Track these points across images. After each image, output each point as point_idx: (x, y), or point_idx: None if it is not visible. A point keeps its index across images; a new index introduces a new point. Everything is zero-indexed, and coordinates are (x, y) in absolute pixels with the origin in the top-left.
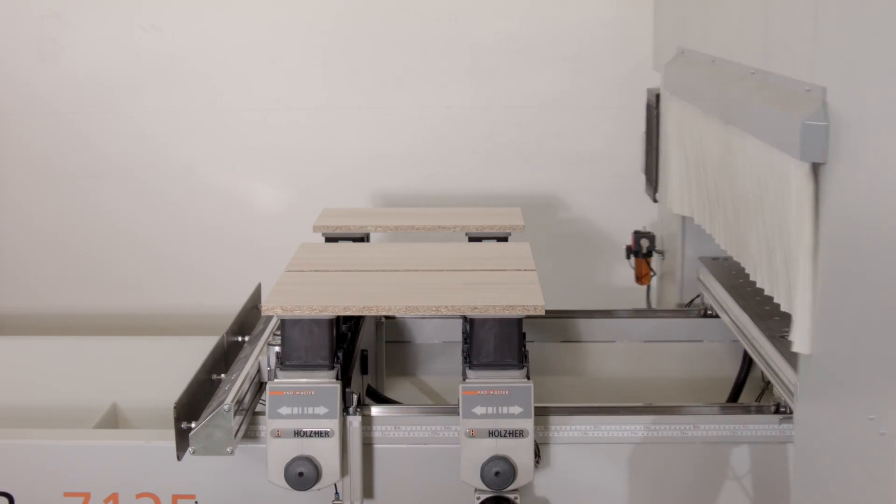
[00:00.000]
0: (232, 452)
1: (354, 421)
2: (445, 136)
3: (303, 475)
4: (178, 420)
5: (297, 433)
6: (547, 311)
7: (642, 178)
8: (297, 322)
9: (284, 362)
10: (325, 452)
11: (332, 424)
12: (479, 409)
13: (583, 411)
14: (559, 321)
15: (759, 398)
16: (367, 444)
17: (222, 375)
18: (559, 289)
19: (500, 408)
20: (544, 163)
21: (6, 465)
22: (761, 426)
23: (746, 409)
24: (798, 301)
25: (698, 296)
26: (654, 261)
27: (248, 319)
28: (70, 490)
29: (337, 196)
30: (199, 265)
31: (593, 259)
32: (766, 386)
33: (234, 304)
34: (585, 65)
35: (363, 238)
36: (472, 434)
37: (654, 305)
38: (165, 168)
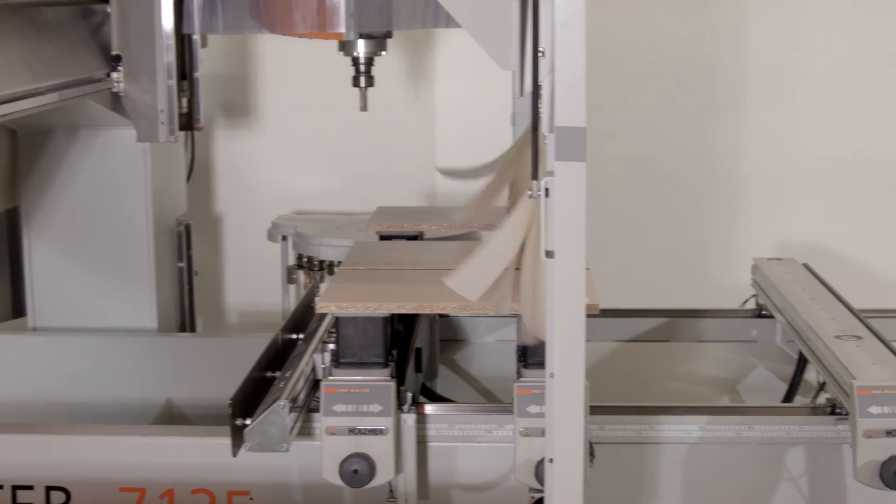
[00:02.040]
0: (287, 449)
1: (409, 419)
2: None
3: (357, 472)
4: (233, 417)
5: (352, 431)
6: (602, 310)
7: None
8: (352, 320)
9: (339, 360)
10: (380, 450)
11: (387, 422)
12: (533, 408)
13: (637, 411)
14: (613, 320)
15: (813, 399)
16: (421, 442)
17: (277, 373)
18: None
19: None
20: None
21: (63, 460)
22: (817, 427)
23: (802, 410)
24: None
25: (753, 296)
26: None
27: (303, 317)
28: (126, 485)
29: (391, 194)
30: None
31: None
32: (821, 387)
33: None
34: None
35: (417, 236)
36: (527, 433)
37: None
38: None
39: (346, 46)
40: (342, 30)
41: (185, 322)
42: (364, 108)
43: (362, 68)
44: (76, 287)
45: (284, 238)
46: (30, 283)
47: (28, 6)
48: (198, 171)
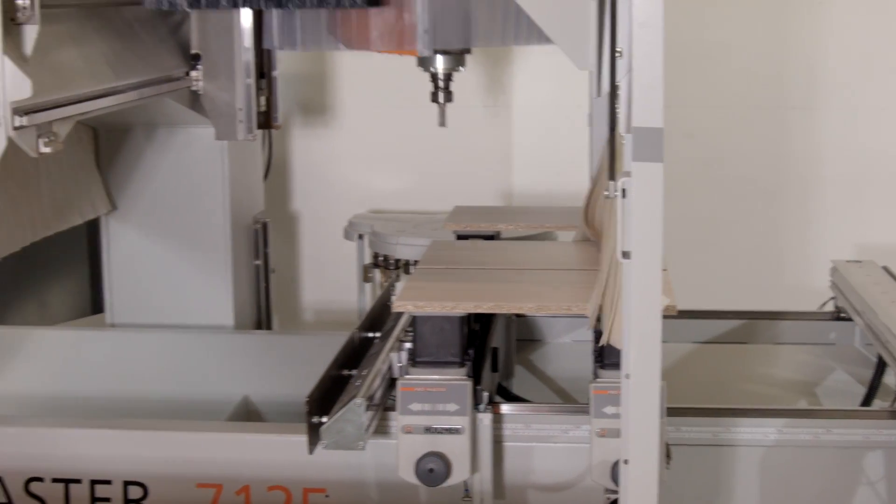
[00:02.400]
0: (363, 447)
1: (485, 418)
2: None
3: (433, 471)
4: (309, 414)
5: (428, 429)
6: (679, 312)
7: None
8: (429, 319)
9: (415, 359)
10: (456, 449)
11: (463, 421)
12: (609, 409)
13: (714, 413)
14: (691, 322)
15: (892, 403)
16: (497, 442)
17: (354, 371)
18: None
19: None
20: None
21: (141, 455)
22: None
23: (880, 414)
24: None
25: (832, 298)
26: None
27: (380, 315)
28: (202, 481)
29: (467, 193)
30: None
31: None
32: None
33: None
34: None
35: (493, 236)
36: (603, 434)
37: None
38: None
39: (424, 62)
40: (419, 48)
41: (262, 320)
42: (443, 123)
43: (441, 84)
44: (154, 284)
45: (361, 237)
46: (108, 280)
47: (108, 6)
48: (275, 169)
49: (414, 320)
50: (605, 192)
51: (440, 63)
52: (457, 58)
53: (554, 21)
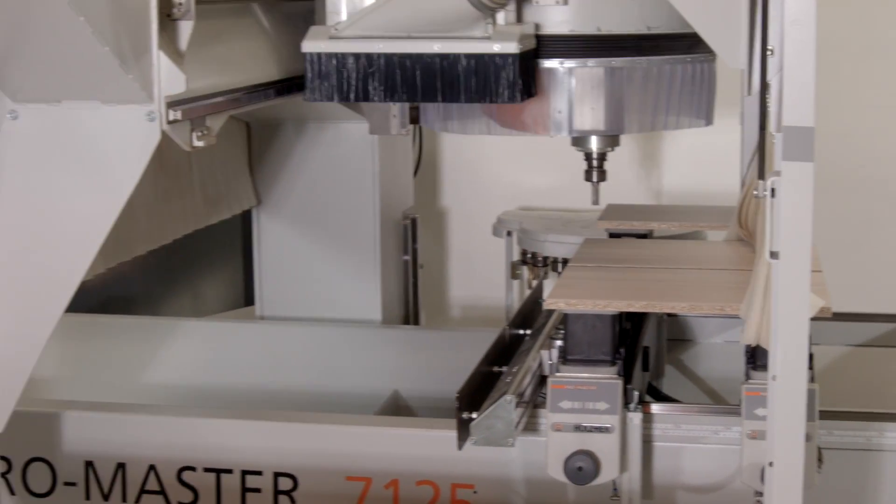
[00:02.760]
0: (512, 444)
1: (635, 417)
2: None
3: (582, 470)
4: (459, 410)
5: (578, 428)
6: (834, 314)
7: None
8: (581, 317)
9: (566, 357)
10: (605, 448)
11: (613, 420)
12: (761, 411)
13: (867, 417)
14: (845, 324)
15: None
16: (647, 442)
17: (504, 368)
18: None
19: None
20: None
21: (291, 447)
22: None
23: None
24: None
25: None
26: None
27: (531, 312)
28: (352, 474)
29: (616, 191)
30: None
31: None
32: None
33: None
34: None
35: (646, 235)
36: (754, 435)
37: None
38: None
39: (578, 142)
40: (572, 134)
41: (409, 315)
42: (596, 201)
43: (594, 163)
44: (303, 278)
45: (509, 234)
46: (258, 273)
47: (261, 2)
48: (425, 165)
49: (565, 318)
50: (755, 192)
51: (594, 143)
52: (611, 138)
53: (705, 19)
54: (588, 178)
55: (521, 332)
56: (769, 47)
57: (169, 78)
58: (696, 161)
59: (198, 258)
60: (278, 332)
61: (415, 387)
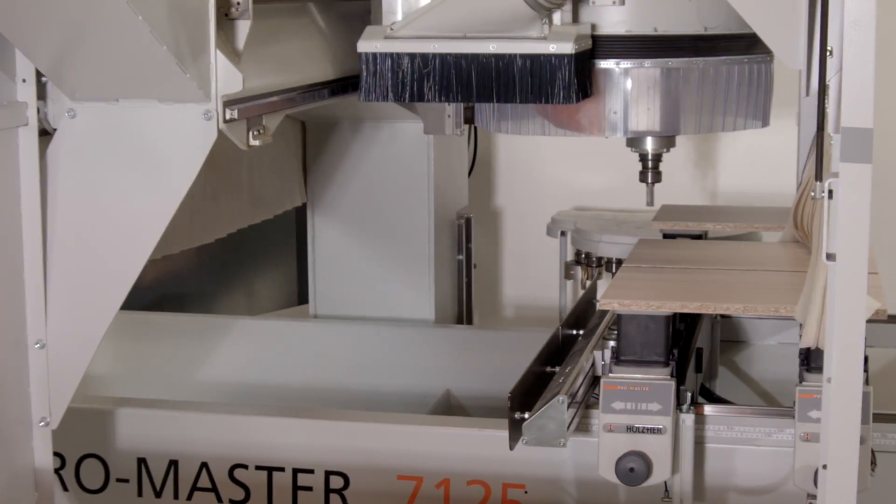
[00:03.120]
0: (564, 445)
1: (688, 419)
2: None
3: (633, 471)
4: (511, 410)
5: (630, 428)
6: (889, 316)
7: None
8: (634, 317)
9: (619, 357)
10: (657, 449)
11: (666, 421)
12: (815, 413)
13: None
14: None
15: None
16: (699, 443)
17: (556, 368)
18: None
19: None
20: None
21: (343, 446)
22: None
23: None
24: None
25: None
26: None
27: (584, 313)
28: (403, 473)
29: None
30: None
31: None
32: None
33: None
34: None
35: (700, 236)
36: (807, 438)
37: None
38: None
39: (633, 143)
40: (627, 135)
41: (462, 314)
42: (651, 202)
43: (650, 164)
44: (356, 277)
45: (563, 234)
46: (312, 272)
47: (317, 1)
48: (480, 165)
49: (619, 318)
50: (812, 193)
51: (650, 144)
52: (667, 139)
53: (764, 19)
54: (643, 179)
55: (574, 332)
56: (828, 48)
57: (226, 77)
58: (751, 162)
59: (252, 256)
60: (330, 331)
61: (466, 386)
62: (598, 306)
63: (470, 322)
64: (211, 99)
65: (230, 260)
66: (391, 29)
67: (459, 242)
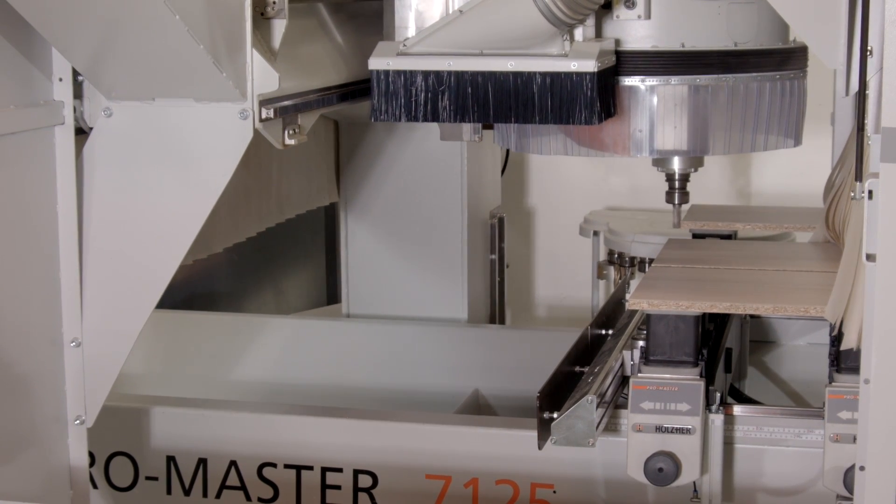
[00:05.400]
0: (593, 444)
1: (717, 419)
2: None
3: (662, 471)
4: (540, 410)
5: (659, 429)
6: None
7: None
8: (663, 317)
9: (648, 357)
10: (686, 449)
11: (695, 421)
12: (844, 414)
13: None
14: None
15: None
16: (728, 443)
17: (585, 368)
18: None
19: None
20: None
21: (372, 445)
22: None
23: None
24: None
25: None
26: None
27: (613, 313)
28: (431, 472)
29: (703, 192)
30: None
31: None
32: None
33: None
34: None
35: (730, 236)
36: (837, 439)
37: None
38: None
39: (660, 162)
40: (653, 155)
41: (495, 314)
42: (678, 224)
43: (677, 184)
44: (389, 276)
45: (596, 234)
46: (345, 271)
47: (351, 1)
48: (512, 165)
49: (648, 318)
50: (852, 194)
51: (677, 164)
52: (694, 159)
53: (804, 18)
54: (669, 200)
55: (603, 331)
56: (868, 47)
57: (262, 76)
58: (784, 162)
59: (281, 256)
60: (358, 330)
61: (496, 386)
62: (628, 306)
63: (503, 322)
64: (247, 98)
65: (259, 259)
66: (404, 45)
67: (492, 242)
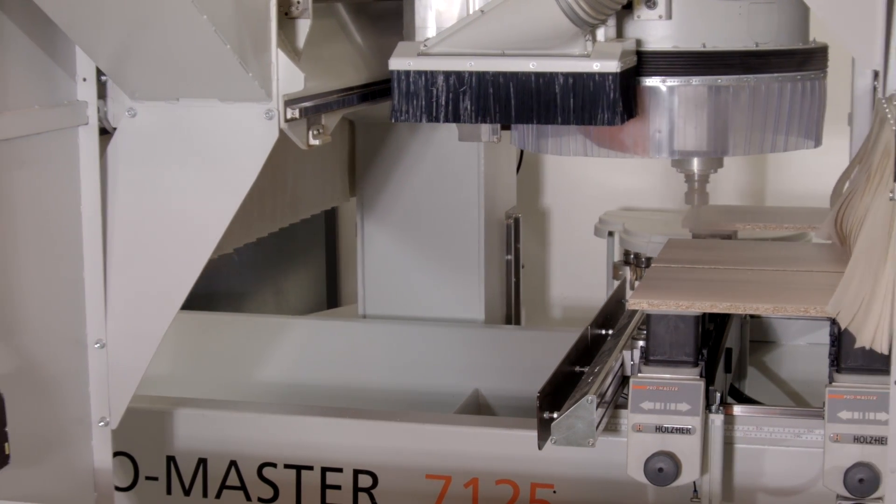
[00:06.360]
0: (593, 444)
1: (717, 419)
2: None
3: (662, 471)
4: (540, 410)
5: (659, 429)
6: None
7: None
8: (663, 317)
9: (648, 357)
10: (686, 449)
11: (695, 421)
12: (844, 414)
13: None
14: None
15: None
16: (728, 443)
17: (585, 368)
18: None
19: (866, 413)
20: None
21: (371, 444)
22: None
23: None
24: None
25: None
26: None
27: (613, 312)
28: (431, 472)
29: (717, 192)
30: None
31: None
32: None
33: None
34: None
35: (729, 236)
36: (837, 439)
37: None
38: None
39: (679, 163)
40: (673, 156)
41: (511, 314)
42: (698, 229)
43: (696, 185)
44: (406, 276)
45: (611, 234)
46: (361, 272)
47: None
48: (527, 165)
49: (648, 318)
50: (890, 194)
51: (696, 165)
52: (714, 160)
53: (841, 18)
54: (689, 201)
55: (603, 331)
56: None
57: (287, 76)
58: (799, 163)
59: (281, 257)
60: (358, 330)
61: (495, 386)
62: (628, 306)
63: (518, 322)
64: (272, 98)
65: (258, 260)
66: (424, 45)
67: (508, 242)
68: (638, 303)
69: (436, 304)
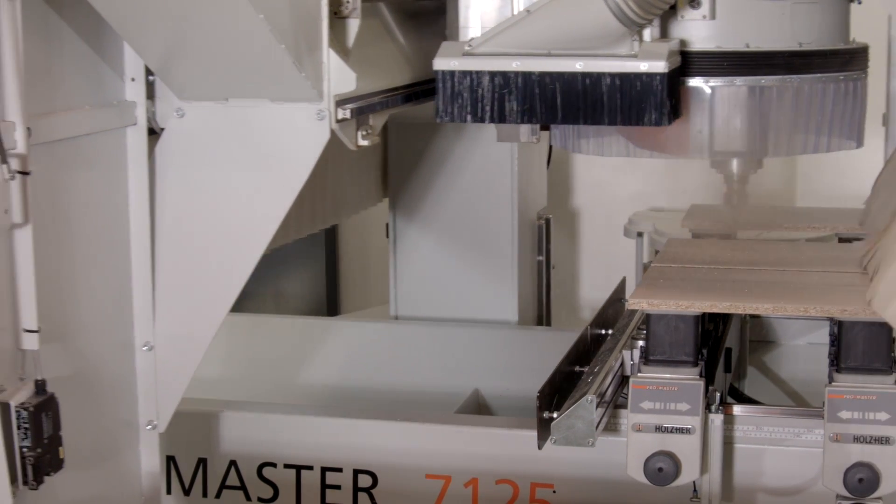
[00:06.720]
0: (592, 444)
1: (716, 419)
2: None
3: (662, 471)
4: (540, 409)
5: (659, 428)
6: None
7: None
8: (663, 317)
9: (648, 357)
10: (686, 449)
11: (694, 421)
12: (844, 413)
13: None
14: None
15: None
16: (728, 443)
17: (585, 367)
18: None
19: (866, 413)
20: None
21: (371, 444)
22: None
23: None
24: None
25: None
26: None
27: (613, 313)
28: (431, 472)
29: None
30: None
31: None
32: None
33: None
34: None
35: (730, 235)
36: (837, 438)
37: None
38: None
39: (719, 164)
40: (714, 157)
41: (542, 316)
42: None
43: (735, 186)
44: (439, 277)
45: (640, 234)
46: (393, 273)
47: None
48: (557, 165)
49: (647, 318)
50: None
51: (735, 166)
52: (754, 161)
53: None
54: (728, 201)
55: (603, 331)
56: None
57: (339, 76)
58: (833, 163)
59: (280, 259)
60: (359, 330)
61: (495, 386)
62: (628, 306)
63: (549, 323)
64: (323, 98)
65: (259, 262)
66: (469, 45)
67: (539, 243)
68: (638, 303)
69: (469, 305)
